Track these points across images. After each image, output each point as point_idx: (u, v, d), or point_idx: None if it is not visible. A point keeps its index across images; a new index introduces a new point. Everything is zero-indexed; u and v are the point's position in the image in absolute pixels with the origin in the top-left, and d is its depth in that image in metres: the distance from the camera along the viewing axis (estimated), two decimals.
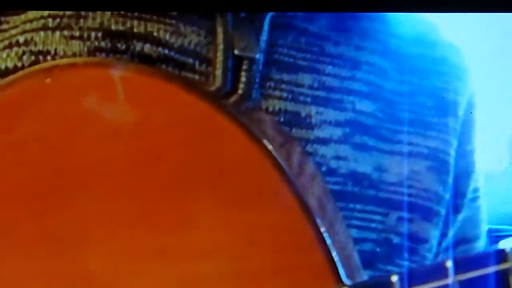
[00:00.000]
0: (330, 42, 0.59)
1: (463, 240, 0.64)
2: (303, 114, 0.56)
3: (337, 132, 0.57)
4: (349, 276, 0.47)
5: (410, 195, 0.59)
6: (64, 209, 0.47)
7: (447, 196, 0.61)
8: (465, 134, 0.64)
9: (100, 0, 0.53)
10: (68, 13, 0.55)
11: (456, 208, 0.63)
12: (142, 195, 0.47)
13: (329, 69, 0.58)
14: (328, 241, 0.47)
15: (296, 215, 0.47)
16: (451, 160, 0.62)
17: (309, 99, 0.57)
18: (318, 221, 0.47)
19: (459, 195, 0.64)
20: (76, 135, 0.48)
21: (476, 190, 0.66)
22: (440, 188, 0.61)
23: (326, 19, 0.59)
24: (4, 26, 0.55)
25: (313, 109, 0.57)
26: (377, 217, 0.58)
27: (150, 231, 0.47)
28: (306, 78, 0.57)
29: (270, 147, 0.48)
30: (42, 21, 0.55)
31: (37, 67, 0.50)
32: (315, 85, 0.57)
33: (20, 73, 0.49)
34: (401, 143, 0.59)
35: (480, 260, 0.44)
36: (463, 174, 0.64)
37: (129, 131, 0.48)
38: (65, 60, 0.51)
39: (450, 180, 0.62)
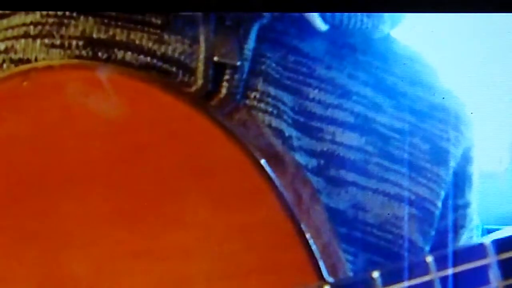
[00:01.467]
0: (322, 65, 0.57)
1: None
2: (286, 134, 0.54)
3: (312, 162, 0.55)
4: (333, 273, 0.47)
5: (385, 240, 0.56)
6: (46, 210, 0.47)
7: (426, 248, 0.58)
8: (457, 187, 0.61)
9: (83, 1, 0.53)
10: (50, 20, 0.54)
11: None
12: (125, 196, 0.47)
13: (314, 93, 0.56)
14: (310, 240, 0.46)
15: (277, 214, 0.46)
16: (437, 212, 0.59)
17: (290, 121, 0.55)
18: (298, 218, 0.46)
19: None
20: (54, 137, 0.48)
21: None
22: (420, 239, 0.58)
23: (321, 41, 0.57)
24: None
25: (293, 132, 0.55)
26: (347, 256, 0.54)
27: (134, 231, 0.47)
28: (288, 99, 0.55)
29: (250, 147, 0.47)
30: (24, 28, 0.54)
31: (14, 69, 0.49)
32: (296, 108, 0.55)
33: None
34: (388, 183, 0.57)
35: (461, 255, 0.44)
36: (450, 229, 0.61)
37: (109, 133, 0.48)
38: (42, 63, 0.51)
39: (432, 232, 0.59)
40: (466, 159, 0.62)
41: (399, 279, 0.43)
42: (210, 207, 0.47)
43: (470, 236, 0.63)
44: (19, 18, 0.55)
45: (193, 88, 0.53)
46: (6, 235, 0.47)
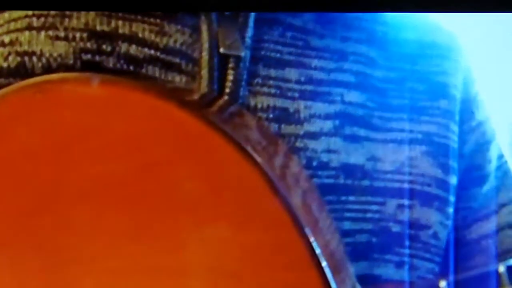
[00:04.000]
0: (315, 35, 0.59)
1: (494, 210, 0.64)
2: (291, 110, 0.56)
3: (327, 125, 0.57)
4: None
5: (407, 181, 0.59)
6: (57, 225, 0.47)
7: (451, 178, 0.61)
8: (465, 111, 0.63)
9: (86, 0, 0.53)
10: (52, 12, 0.54)
11: (476, 182, 0.63)
12: (138, 211, 0.47)
13: (315, 62, 0.58)
14: (322, 259, 0.46)
15: (285, 229, 0.46)
16: (450, 142, 0.61)
17: (297, 94, 0.57)
18: (308, 232, 0.46)
19: (477, 168, 0.63)
20: (68, 151, 0.47)
21: (500, 157, 0.65)
22: (439, 171, 0.60)
23: (309, 13, 0.59)
24: None
25: (301, 104, 0.57)
26: (373, 207, 0.57)
27: (146, 247, 0.46)
28: (293, 73, 0.57)
29: (255, 155, 0.47)
30: (27, 20, 0.54)
31: (28, 81, 0.49)
32: (302, 79, 0.57)
33: (10, 87, 0.49)
34: (393, 131, 0.59)
35: (477, 282, 0.44)
36: (475, 148, 0.63)
37: (123, 148, 0.47)
38: (56, 75, 0.51)
39: (452, 161, 0.61)
40: (467, 84, 0.64)
41: None
42: (224, 224, 0.46)
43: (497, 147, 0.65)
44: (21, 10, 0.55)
45: (198, 80, 0.53)
46: (18, 247, 0.47)
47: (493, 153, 0.64)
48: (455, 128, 0.62)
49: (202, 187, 0.47)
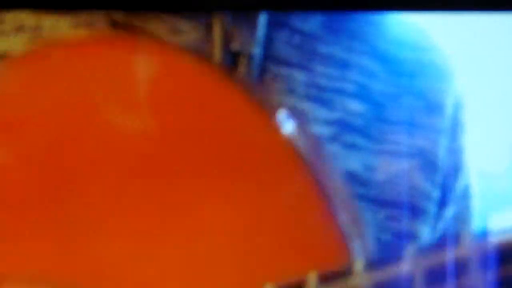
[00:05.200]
0: (322, 41, 0.61)
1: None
2: (299, 108, 0.58)
3: (328, 130, 0.59)
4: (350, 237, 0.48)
5: (399, 193, 0.61)
6: (72, 194, 0.48)
7: (435, 193, 0.63)
8: (452, 132, 0.65)
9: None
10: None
11: (443, 203, 0.65)
12: (149, 173, 0.47)
13: (320, 68, 0.60)
14: (341, 218, 0.48)
15: (306, 191, 0.48)
16: (439, 159, 0.64)
17: (303, 94, 0.59)
18: (329, 196, 0.48)
19: (446, 191, 0.65)
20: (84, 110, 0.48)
21: (466, 188, 0.67)
22: (427, 185, 0.63)
23: (318, 18, 0.61)
24: None
25: (307, 105, 0.59)
26: (366, 215, 0.59)
27: (158, 211, 0.47)
28: (299, 75, 0.59)
29: (278, 122, 0.49)
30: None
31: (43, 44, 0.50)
32: (307, 82, 0.59)
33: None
34: (389, 143, 0.61)
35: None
36: (450, 171, 0.65)
37: (135, 107, 0.48)
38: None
39: (438, 177, 0.63)
40: (457, 106, 0.66)
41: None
42: (237, 184, 0.48)
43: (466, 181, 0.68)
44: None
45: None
46: (25, 220, 0.48)
47: (461, 181, 0.67)
48: (444, 145, 0.64)
49: (217, 145, 0.48)
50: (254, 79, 0.57)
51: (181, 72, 0.49)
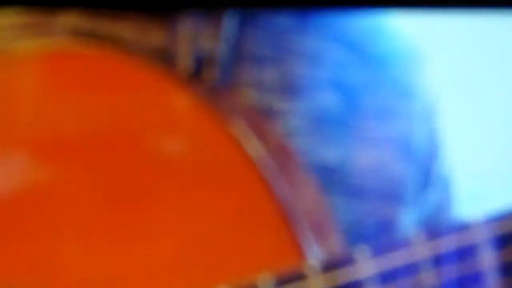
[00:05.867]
0: (293, 33, 0.60)
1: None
2: (270, 106, 0.58)
3: (303, 124, 0.59)
4: (321, 242, 0.48)
5: (378, 180, 0.61)
6: (41, 193, 0.48)
7: (414, 178, 0.63)
8: (426, 117, 0.65)
9: None
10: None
11: (423, 186, 0.65)
12: (114, 176, 0.48)
13: (292, 60, 0.60)
14: (296, 219, 0.48)
15: (262, 194, 0.47)
16: (416, 143, 0.63)
17: (275, 92, 0.58)
18: (285, 197, 0.48)
19: (425, 175, 0.65)
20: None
21: (445, 172, 0.67)
22: (405, 171, 0.62)
23: (287, 14, 0.61)
24: None
25: (279, 102, 0.58)
26: (347, 206, 0.59)
27: (126, 214, 0.48)
28: (271, 72, 0.59)
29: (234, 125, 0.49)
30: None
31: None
32: (280, 78, 0.59)
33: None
34: (365, 130, 0.61)
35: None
36: (427, 155, 0.65)
37: (95, 112, 0.49)
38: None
39: (416, 163, 0.63)
40: (429, 92, 0.66)
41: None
42: (195, 187, 0.48)
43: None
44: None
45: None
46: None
47: (438, 166, 0.67)
48: (419, 130, 0.64)
49: (184, 155, 0.49)
50: (222, 79, 0.56)
51: (139, 84, 0.50)
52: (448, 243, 0.45)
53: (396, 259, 0.45)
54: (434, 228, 0.49)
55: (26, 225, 0.48)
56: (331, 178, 0.59)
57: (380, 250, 0.45)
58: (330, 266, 0.45)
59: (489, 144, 1.47)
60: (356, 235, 0.59)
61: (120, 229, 0.48)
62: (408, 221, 0.62)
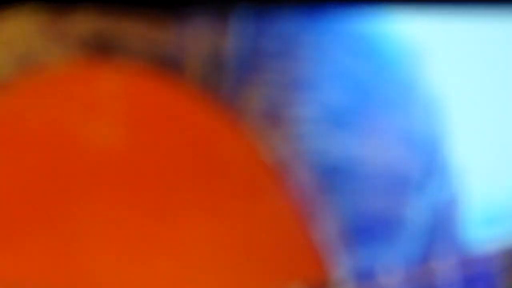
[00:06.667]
0: (298, 39, 0.61)
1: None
2: (280, 107, 0.58)
3: (310, 125, 0.59)
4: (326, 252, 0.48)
5: (387, 177, 0.61)
6: (64, 201, 0.49)
7: (419, 170, 0.63)
8: (427, 108, 0.65)
9: None
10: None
11: (427, 176, 0.65)
12: (138, 188, 0.48)
13: (301, 58, 0.60)
14: (314, 233, 0.48)
15: (282, 207, 0.48)
16: (420, 135, 0.64)
17: (285, 93, 0.59)
18: (303, 211, 0.47)
19: (429, 165, 0.65)
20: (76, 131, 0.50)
21: (451, 162, 0.67)
22: (416, 161, 0.63)
23: (293, 18, 0.61)
24: None
25: (288, 103, 0.59)
26: (356, 205, 0.59)
27: (146, 224, 0.48)
28: (279, 74, 0.59)
29: (252, 138, 0.50)
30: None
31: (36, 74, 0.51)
32: (288, 81, 0.59)
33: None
34: (371, 125, 0.61)
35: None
36: (430, 144, 0.65)
37: (125, 129, 0.50)
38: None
39: (420, 154, 0.64)
40: (430, 85, 0.66)
41: None
42: (220, 200, 0.48)
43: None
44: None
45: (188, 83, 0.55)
46: (26, 225, 0.48)
47: (442, 155, 0.67)
48: (421, 121, 0.65)
49: (199, 164, 0.49)
50: (233, 82, 0.56)
51: (153, 95, 0.51)
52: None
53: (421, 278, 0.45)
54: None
55: (53, 230, 0.48)
56: (337, 173, 0.59)
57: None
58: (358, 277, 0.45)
59: (491, 143, 1.48)
60: (363, 228, 0.59)
61: (149, 240, 0.48)
62: (415, 212, 0.62)
